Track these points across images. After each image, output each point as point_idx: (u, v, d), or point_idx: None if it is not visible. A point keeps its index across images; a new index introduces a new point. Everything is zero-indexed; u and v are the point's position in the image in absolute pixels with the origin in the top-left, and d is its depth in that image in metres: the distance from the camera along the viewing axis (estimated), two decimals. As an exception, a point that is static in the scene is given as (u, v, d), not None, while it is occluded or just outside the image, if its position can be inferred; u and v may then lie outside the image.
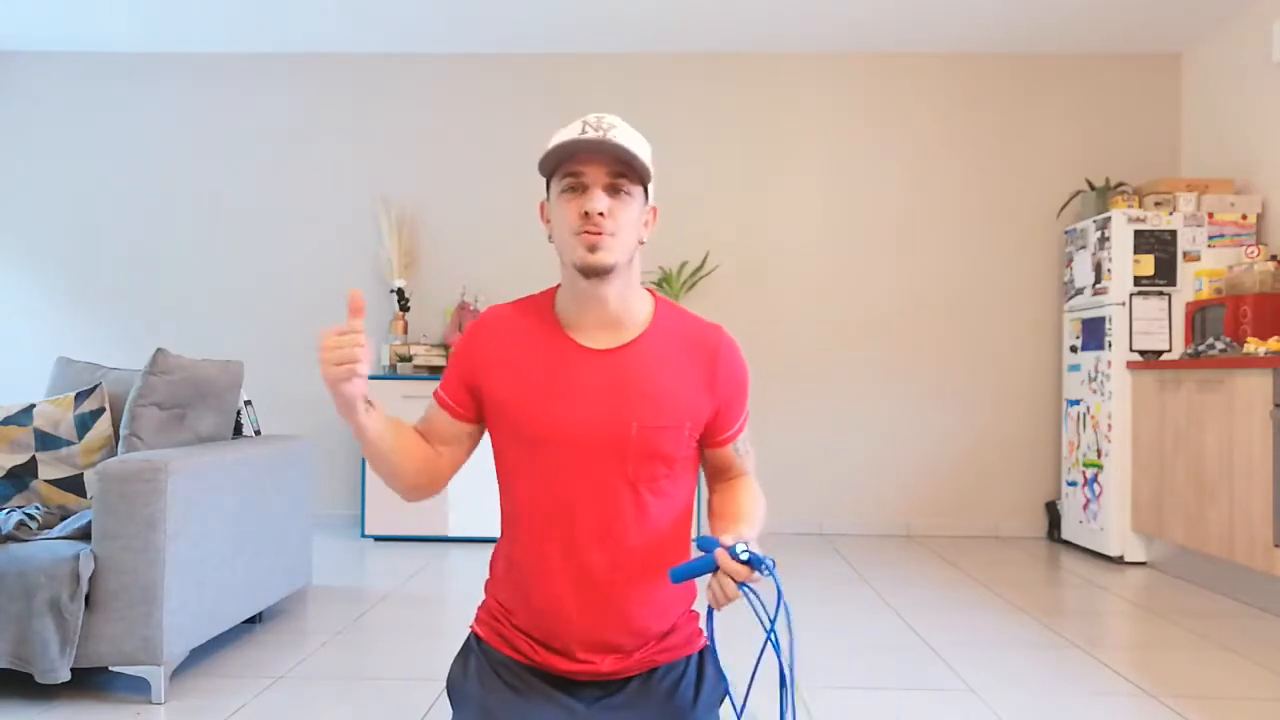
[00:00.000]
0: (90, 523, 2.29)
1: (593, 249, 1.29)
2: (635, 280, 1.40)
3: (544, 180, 1.38)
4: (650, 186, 1.37)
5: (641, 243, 1.37)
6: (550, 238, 1.38)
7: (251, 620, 2.95)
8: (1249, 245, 4.04)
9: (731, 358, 1.43)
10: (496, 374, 1.38)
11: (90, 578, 2.20)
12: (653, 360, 1.38)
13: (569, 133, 1.32)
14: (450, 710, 1.46)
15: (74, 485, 2.66)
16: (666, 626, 1.44)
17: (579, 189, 1.31)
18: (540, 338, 1.39)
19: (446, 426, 1.43)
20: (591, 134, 1.29)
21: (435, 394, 1.45)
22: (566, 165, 1.31)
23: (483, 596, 1.53)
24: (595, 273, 1.31)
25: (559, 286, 1.44)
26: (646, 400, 1.35)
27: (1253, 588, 3.40)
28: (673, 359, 1.39)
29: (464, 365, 1.41)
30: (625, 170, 1.31)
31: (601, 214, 1.29)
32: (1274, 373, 3.23)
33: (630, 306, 1.39)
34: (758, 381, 4.88)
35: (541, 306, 1.43)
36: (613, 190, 1.31)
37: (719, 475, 1.50)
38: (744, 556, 1.15)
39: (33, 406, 2.69)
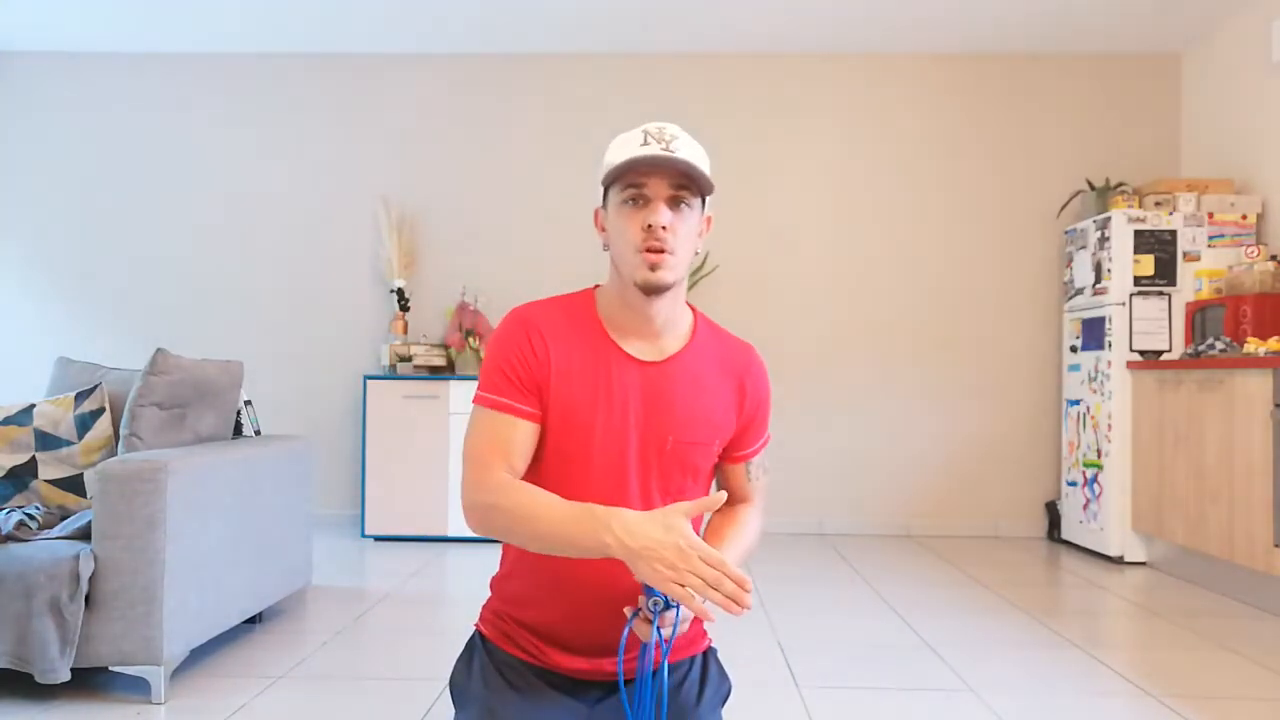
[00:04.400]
0: (90, 523, 2.29)
1: (654, 268, 1.29)
2: (683, 295, 1.40)
3: (602, 189, 1.37)
4: (709, 196, 1.37)
5: (696, 253, 1.37)
6: (605, 247, 1.37)
7: (251, 620, 2.94)
8: (1249, 245, 4.04)
9: (760, 379, 1.46)
10: (555, 374, 1.34)
11: (90, 578, 2.20)
12: (691, 376, 1.38)
13: (630, 142, 1.31)
14: (452, 710, 1.46)
15: (74, 485, 2.66)
16: (672, 628, 1.43)
17: (640, 201, 1.30)
18: (589, 343, 1.37)
19: (531, 438, 1.33)
20: (655, 146, 1.29)
21: (498, 406, 1.32)
22: (628, 177, 1.30)
23: (486, 595, 1.52)
24: (655, 291, 1.31)
25: (596, 289, 1.42)
26: (683, 415, 1.36)
27: (1253, 588, 3.40)
28: (708, 376, 1.40)
29: (527, 367, 1.33)
30: (687, 183, 1.31)
31: (665, 228, 1.28)
32: (1274, 373, 3.23)
33: (674, 321, 1.39)
34: (758, 381, 4.88)
35: (583, 310, 1.40)
36: (673, 203, 1.31)
37: (728, 495, 1.49)
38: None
39: (33, 406, 2.69)
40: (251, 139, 5.04)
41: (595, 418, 1.34)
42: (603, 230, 1.38)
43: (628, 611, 1.23)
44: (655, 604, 1.19)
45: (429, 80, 5.00)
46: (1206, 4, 4.28)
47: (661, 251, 1.29)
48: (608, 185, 1.35)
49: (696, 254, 1.37)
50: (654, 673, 1.21)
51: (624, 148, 1.31)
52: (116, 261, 5.05)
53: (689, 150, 1.31)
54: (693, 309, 1.45)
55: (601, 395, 1.34)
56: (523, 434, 1.32)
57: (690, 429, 1.37)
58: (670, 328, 1.38)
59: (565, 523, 1.21)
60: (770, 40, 4.77)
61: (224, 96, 5.04)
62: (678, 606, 1.20)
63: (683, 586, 1.11)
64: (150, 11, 4.51)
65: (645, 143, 1.29)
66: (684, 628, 1.24)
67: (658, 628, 1.20)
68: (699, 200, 1.34)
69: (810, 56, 4.95)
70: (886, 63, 4.93)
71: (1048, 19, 4.47)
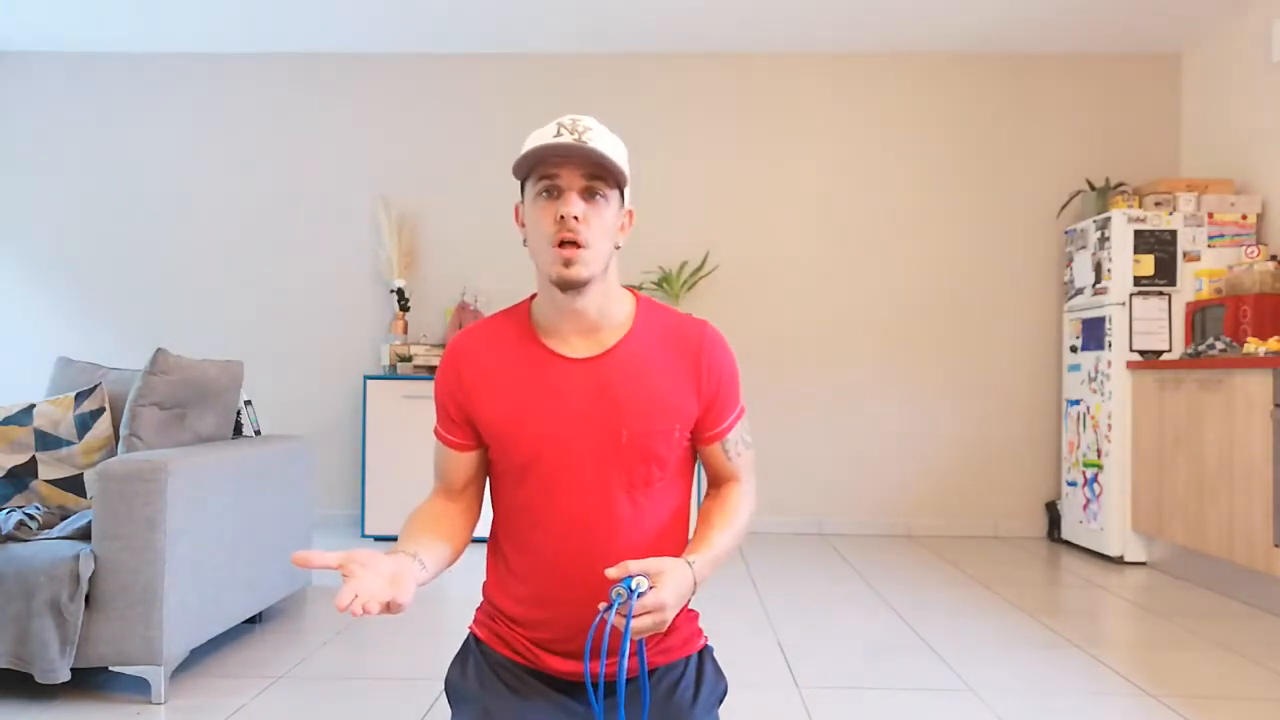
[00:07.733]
0: (90, 523, 2.29)
1: (568, 263, 1.27)
2: (612, 285, 1.37)
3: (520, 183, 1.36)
4: (626, 190, 1.35)
5: (618, 247, 1.35)
6: (525, 242, 1.36)
7: (251, 620, 2.95)
8: (1249, 245, 4.04)
9: (716, 353, 1.40)
10: (483, 397, 1.36)
11: (90, 578, 2.20)
12: (636, 364, 1.36)
13: (544, 135, 1.29)
14: (449, 711, 1.46)
15: (74, 485, 2.66)
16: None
17: (554, 193, 1.29)
18: (520, 353, 1.37)
19: (462, 464, 1.43)
20: (567, 137, 1.27)
21: (437, 434, 1.44)
22: (541, 168, 1.29)
23: (481, 598, 1.53)
24: (571, 286, 1.29)
25: (534, 297, 1.41)
26: (634, 406, 1.34)
27: (1253, 588, 3.40)
28: (656, 361, 1.37)
29: (451, 399, 1.39)
30: (601, 173, 1.29)
31: (577, 218, 1.27)
32: (1274, 373, 3.23)
33: (609, 312, 1.36)
34: (758, 381, 4.89)
35: (517, 319, 1.40)
36: (588, 194, 1.29)
37: (711, 476, 1.48)
38: (636, 589, 1.17)
39: (33, 406, 2.69)
40: (251, 139, 5.04)
41: (536, 428, 1.33)
42: (522, 226, 1.37)
43: (601, 607, 1.20)
44: (619, 594, 1.17)
45: (429, 80, 5.00)
46: (1206, 4, 4.28)
47: (576, 246, 1.27)
48: (523, 178, 1.33)
49: (618, 248, 1.35)
50: (637, 670, 1.20)
51: (537, 140, 1.30)
52: (116, 261, 5.05)
53: (603, 141, 1.29)
54: (635, 294, 1.43)
55: (538, 403, 1.34)
56: (456, 461, 1.43)
57: (643, 419, 1.34)
58: (606, 319, 1.36)
59: None
60: (771, 40, 4.77)
61: (224, 96, 5.04)
62: (635, 592, 1.16)
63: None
64: (150, 11, 4.51)
65: (558, 134, 1.28)
66: (645, 621, 1.18)
67: (617, 613, 1.16)
68: (616, 193, 1.32)
69: (810, 56, 4.95)
70: (886, 62, 4.93)
71: (1047, 18, 4.47)
